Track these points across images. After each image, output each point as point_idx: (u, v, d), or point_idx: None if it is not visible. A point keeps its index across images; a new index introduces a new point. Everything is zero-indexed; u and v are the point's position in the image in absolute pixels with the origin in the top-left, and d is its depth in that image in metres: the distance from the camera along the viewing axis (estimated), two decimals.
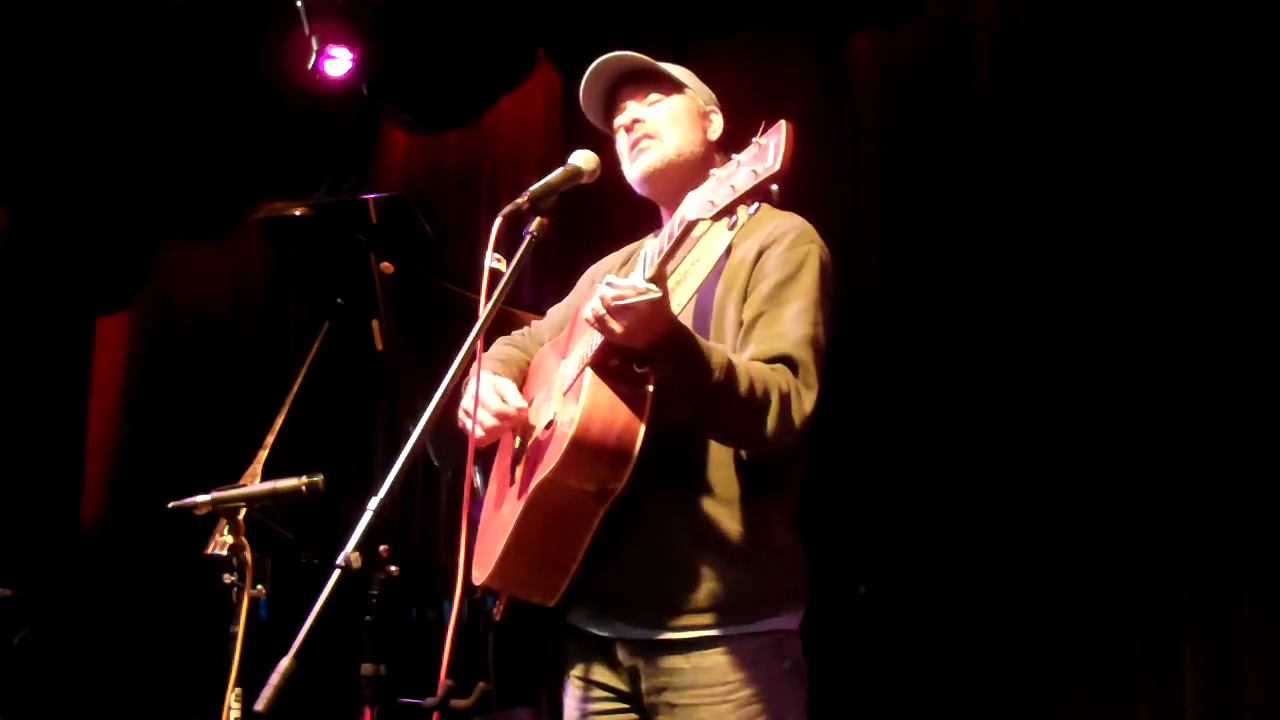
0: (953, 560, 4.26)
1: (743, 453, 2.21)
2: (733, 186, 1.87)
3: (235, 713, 2.42)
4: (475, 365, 2.18)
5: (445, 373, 2.04)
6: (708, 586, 2.19)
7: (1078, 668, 4.05)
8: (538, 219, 2.24)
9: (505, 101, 5.94)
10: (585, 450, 2.10)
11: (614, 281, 2.01)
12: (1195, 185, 3.99)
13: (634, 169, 2.42)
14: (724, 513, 2.21)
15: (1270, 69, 3.89)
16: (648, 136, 2.39)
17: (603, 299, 2.01)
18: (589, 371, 2.14)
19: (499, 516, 2.39)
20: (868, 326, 4.52)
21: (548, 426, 2.26)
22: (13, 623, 4.56)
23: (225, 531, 2.49)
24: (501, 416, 2.32)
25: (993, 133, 4.48)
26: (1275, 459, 3.75)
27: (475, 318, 2.14)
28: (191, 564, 4.31)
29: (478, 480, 4.24)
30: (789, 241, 2.28)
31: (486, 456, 4.25)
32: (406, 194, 4.50)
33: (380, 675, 2.02)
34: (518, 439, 2.41)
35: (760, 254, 2.28)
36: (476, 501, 4.22)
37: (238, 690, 2.41)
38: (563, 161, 2.33)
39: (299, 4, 5.51)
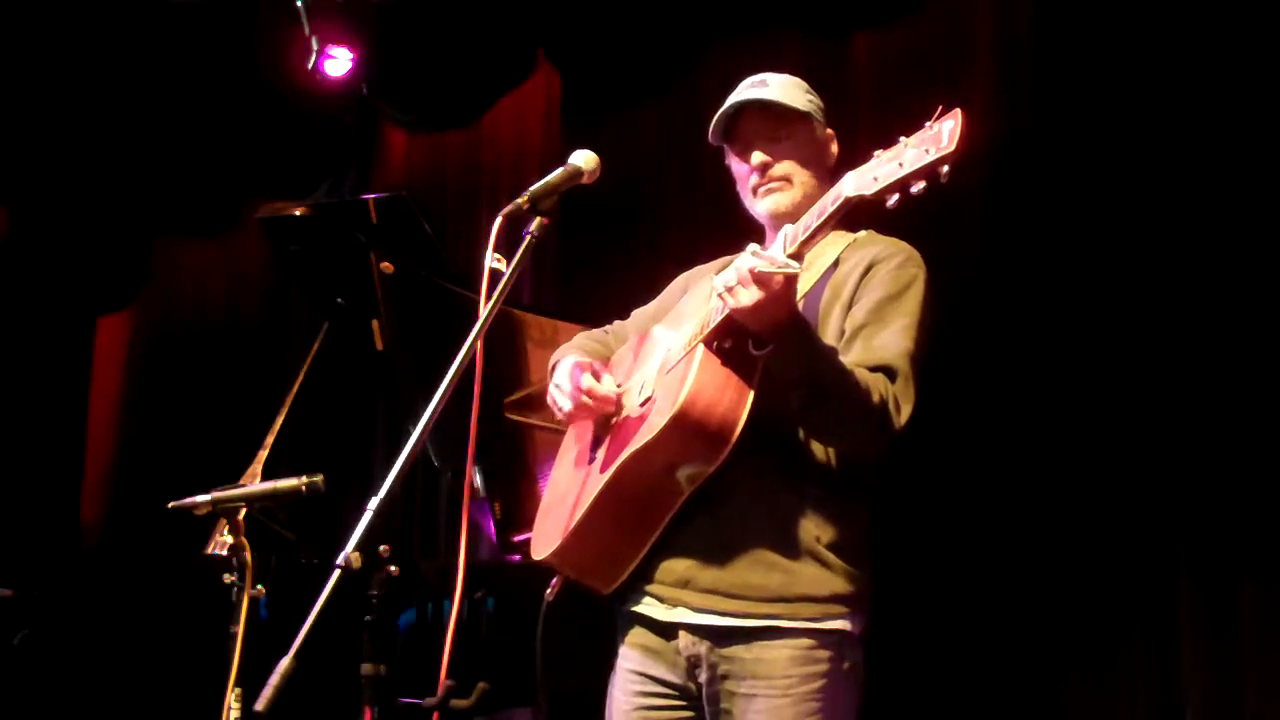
0: (951, 559, 4.25)
1: (832, 454, 2.24)
2: (900, 164, 1.92)
3: (235, 713, 2.42)
4: (476, 365, 2.18)
5: (445, 373, 2.04)
6: (779, 578, 2.21)
7: (1077, 667, 4.05)
8: (538, 219, 2.24)
9: (505, 101, 5.94)
10: (686, 426, 2.10)
11: (758, 252, 2.04)
12: (1197, 182, 3.99)
13: (759, 206, 2.45)
14: (808, 510, 2.23)
15: (1272, 67, 3.89)
16: (778, 179, 2.42)
17: (739, 269, 2.03)
18: (700, 348, 2.15)
19: (570, 495, 2.40)
20: None
21: (643, 404, 2.27)
22: (13, 623, 4.56)
23: (225, 531, 2.49)
24: (598, 398, 2.36)
25: (992, 132, 4.47)
26: (1275, 459, 3.75)
27: (475, 318, 2.14)
28: (191, 564, 4.31)
29: (478, 480, 4.25)
30: (898, 262, 2.34)
31: (487, 456, 4.25)
32: (406, 194, 4.50)
33: (380, 675, 2.02)
34: (599, 423, 2.43)
35: (869, 269, 2.32)
36: (477, 501, 4.24)
37: (238, 690, 2.41)
38: (563, 161, 2.33)
39: (299, 4, 5.51)
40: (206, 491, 2.47)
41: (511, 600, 3.73)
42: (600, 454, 2.37)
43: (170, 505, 2.51)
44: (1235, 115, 3.94)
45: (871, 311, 2.28)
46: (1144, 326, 4.03)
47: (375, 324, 4.43)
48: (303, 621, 1.81)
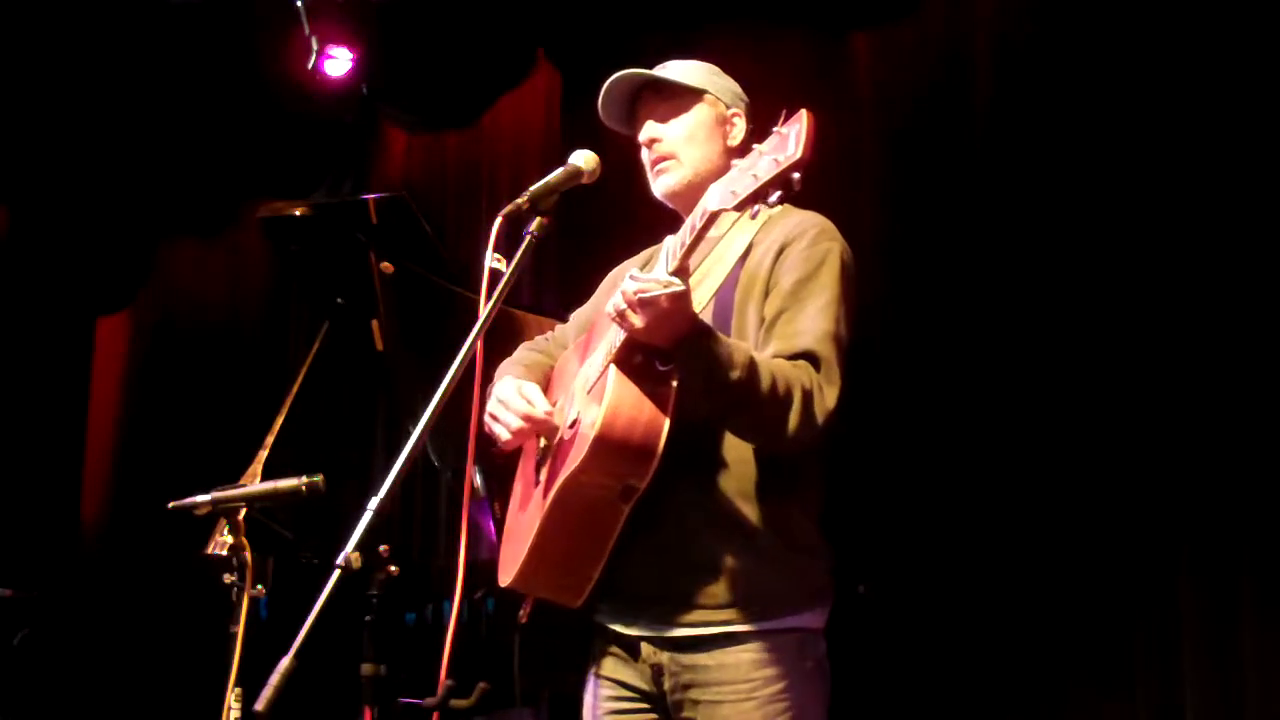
0: (953, 561, 4.26)
1: (765, 452, 2.21)
2: (754, 176, 1.87)
3: (235, 713, 2.42)
4: (476, 365, 2.18)
5: (445, 373, 2.04)
6: (731, 583, 2.19)
7: (1077, 668, 4.05)
8: (538, 219, 2.24)
9: (505, 101, 5.94)
10: (610, 447, 2.10)
11: (637, 275, 2.03)
12: (1195, 181, 3.99)
13: (656, 187, 2.43)
14: (746, 509, 2.21)
15: (1271, 68, 3.89)
16: (666, 158, 2.39)
17: (624, 293, 2.02)
18: (613, 369, 2.14)
19: (523, 519, 2.39)
20: (865, 327, 4.51)
21: (571, 426, 2.26)
22: (13, 623, 4.56)
23: (225, 531, 2.49)
24: (528, 420, 2.33)
25: (993, 132, 4.48)
26: (1275, 459, 3.75)
27: (475, 318, 2.14)
28: (191, 564, 4.31)
29: (478, 480, 4.25)
30: (810, 239, 2.28)
31: (487, 457, 4.25)
32: (406, 194, 4.50)
33: (380, 675, 2.02)
34: (543, 442, 2.42)
35: (780, 252, 2.28)
36: (477, 501, 4.24)
37: (238, 690, 2.41)
38: (563, 161, 2.32)
39: (299, 4, 5.52)
40: (206, 491, 2.47)
41: (511, 600, 3.72)
42: (543, 477, 2.36)
43: (170, 505, 2.51)
44: (1234, 110, 3.94)
45: (788, 296, 2.23)
46: (1147, 325, 4.03)
47: (375, 324, 4.43)
48: (303, 621, 1.81)
